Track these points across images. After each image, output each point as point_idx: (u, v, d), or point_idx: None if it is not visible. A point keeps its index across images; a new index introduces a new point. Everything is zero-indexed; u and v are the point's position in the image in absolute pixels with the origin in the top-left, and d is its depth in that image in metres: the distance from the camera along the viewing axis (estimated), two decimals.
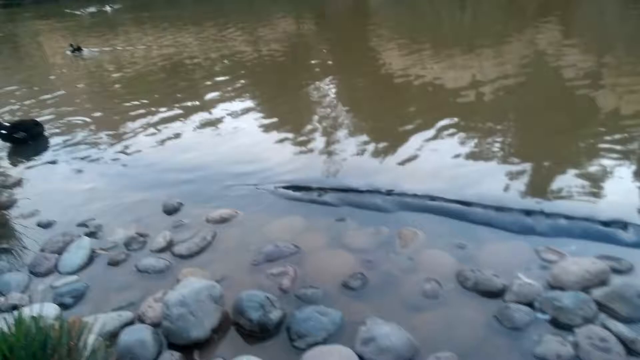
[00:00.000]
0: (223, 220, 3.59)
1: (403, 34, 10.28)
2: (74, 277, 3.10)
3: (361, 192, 3.62)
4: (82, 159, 5.20)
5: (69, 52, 12.18)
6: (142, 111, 6.61)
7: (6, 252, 3.52)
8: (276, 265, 2.99)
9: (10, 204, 4.27)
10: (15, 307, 2.85)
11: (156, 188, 4.27)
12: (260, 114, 6.07)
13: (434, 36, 9.46)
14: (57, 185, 4.62)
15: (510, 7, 12.83)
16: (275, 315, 2.52)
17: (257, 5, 18.29)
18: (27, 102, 7.71)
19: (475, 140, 4.53)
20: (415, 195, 3.43)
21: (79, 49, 12.28)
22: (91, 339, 1.99)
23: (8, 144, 5.89)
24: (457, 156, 4.23)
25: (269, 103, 6.58)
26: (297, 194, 3.84)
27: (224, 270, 3.00)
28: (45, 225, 3.82)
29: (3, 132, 5.91)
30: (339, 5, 16.83)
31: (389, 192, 3.51)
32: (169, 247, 3.33)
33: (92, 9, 21.56)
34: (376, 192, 3.56)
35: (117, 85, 8.34)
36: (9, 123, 6.02)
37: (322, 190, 3.75)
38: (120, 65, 10.04)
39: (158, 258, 3.19)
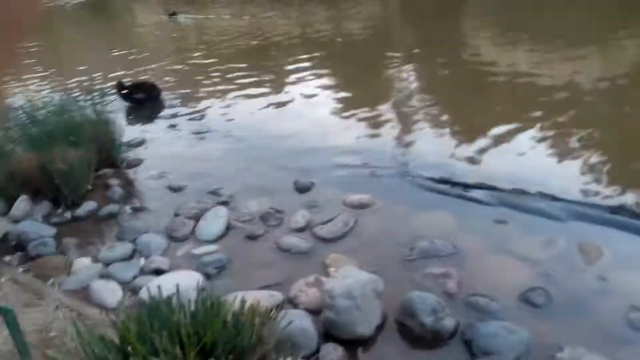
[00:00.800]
0: (362, 206, 3.32)
1: (499, 22, 9.52)
2: (213, 247, 2.96)
3: (524, 193, 3.22)
4: (199, 125, 5.13)
5: (166, 17, 12.45)
6: (245, 81, 6.48)
7: (141, 212, 3.46)
8: (433, 264, 2.68)
9: (137, 163, 4.25)
10: (158, 271, 2.75)
11: (282, 163, 4.09)
12: (379, 100, 5.75)
13: (532, 27, 8.66)
14: (180, 149, 4.57)
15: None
16: (449, 322, 2.22)
17: None
18: (136, 68, 7.87)
19: None
20: (594, 206, 2.99)
21: (174, 13, 12.51)
22: (273, 325, 1.78)
23: (127, 104, 5.97)
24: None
25: (401, 87, 6.25)
26: (442, 186, 3.50)
27: (373, 261, 2.73)
28: (176, 189, 3.74)
29: (124, 92, 6.02)
30: None
31: (558, 198, 3.09)
32: (308, 227, 3.12)
33: None
34: (543, 195, 3.15)
35: (214, 54, 8.32)
36: (128, 84, 6.12)
37: (475, 186, 3.39)
38: (216, 34, 10.04)
39: (300, 238, 2.98)
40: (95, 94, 4.58)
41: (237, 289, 2.48)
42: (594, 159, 3.72)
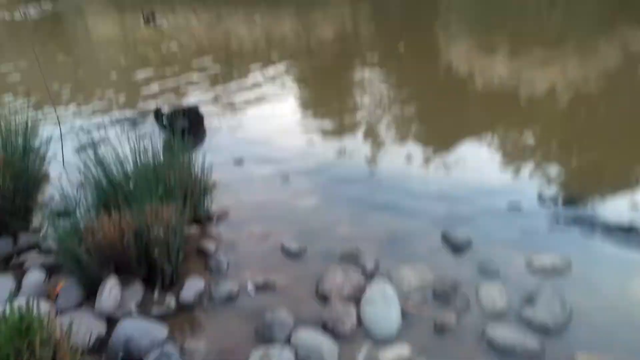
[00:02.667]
0: (556, 272, 2.60)
1: (477, 27, 9.09)
2: (402, 349, 2.16)
3: None
4: (270, 159, 4.32)
5: (144, 23, 11.42)
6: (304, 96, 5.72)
7: (267, 290, 2.63)
8: None
9: (223, 216, 3.41)
10: None
11: (407, 208, 3.33)
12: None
13: (512, 32, 8.28)
14: (266, 194, 3.74)
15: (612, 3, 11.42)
16: None
17: None
18: (144, 87, 6.96)
19: None
20: None
21: (152, 16, 11.43)
22: None
23: (166, 134, 5.10)
24: None
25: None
26: None
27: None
28: (294, 255, 2.92)
29: (162, 119, 5.14)
30: None
31: None
32: (510, 309, 2.37)
33: None
34: None
35: (200, 59, 7.51)
36: (165, 111, 5.25)
37: None
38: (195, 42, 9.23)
39: (512, 329, 2.22)
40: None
41: None
42: None
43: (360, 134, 4.85)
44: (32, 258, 2.97)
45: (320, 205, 3.51)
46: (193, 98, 6.30)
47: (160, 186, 2.84)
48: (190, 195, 3.16)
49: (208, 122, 5.32)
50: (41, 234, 3.38)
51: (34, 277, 2.82)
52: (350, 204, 3.47)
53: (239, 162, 4.35)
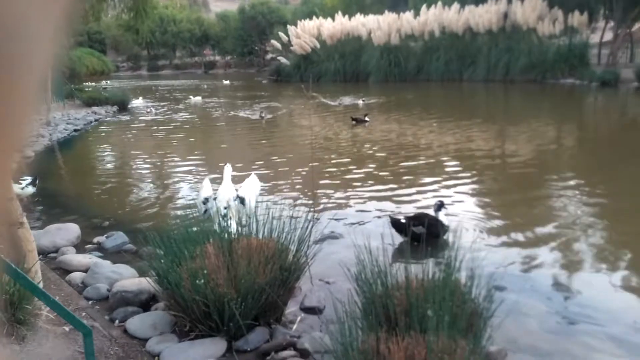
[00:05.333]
0: None
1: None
2: None
3: None
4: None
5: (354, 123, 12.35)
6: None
7: None
8: None
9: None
10: None
11: None
12: None
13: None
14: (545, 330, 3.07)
15: None
16: None
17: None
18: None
19: None
20: None
21: (363, 120, 12.25)
22: None
23: (406, 241, 4.84)
24: None
25: None
26: None
27: None
28: None
29: (400, 226, 4.95)
30: None
31: None
32: None
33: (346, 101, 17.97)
34: None
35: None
36: (405, 218, 5.05)
37: None
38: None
39: None
40: None
41: None
42: None
43: None
44: None
45: None
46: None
47: (447, 312, 2.44)
48: (469, 327, 2.68)
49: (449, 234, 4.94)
50: (293, 328, 3.25)
51: None
52: None
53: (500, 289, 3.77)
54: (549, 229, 5.09)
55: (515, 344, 2.99)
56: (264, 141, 11.28)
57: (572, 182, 6.83)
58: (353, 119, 12.80)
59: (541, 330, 3.16)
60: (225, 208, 4.40)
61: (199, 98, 20.21)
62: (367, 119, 12.79)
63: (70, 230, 4.80)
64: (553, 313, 3.36)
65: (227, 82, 30.97)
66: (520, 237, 4.92)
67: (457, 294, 2.79)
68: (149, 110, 16.97)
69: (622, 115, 14.95)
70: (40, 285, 2.99)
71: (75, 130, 12.90)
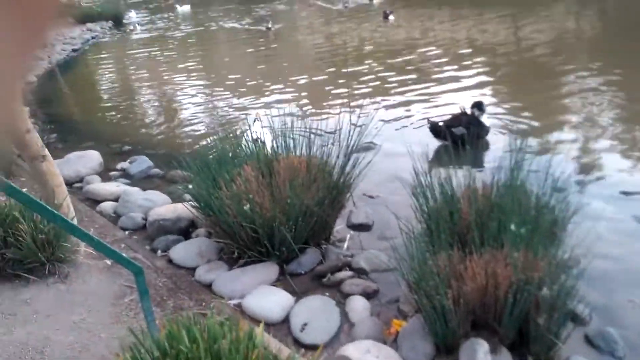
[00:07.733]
0: None
1: None
2: None
3: None
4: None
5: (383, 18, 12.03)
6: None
7: None
8: None
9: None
10: None
11: None
12: None
13: None
14: None
15: None
16: None
17: None
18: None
19: None
20: None
21: (386, 16, 11.79)
22: None
23: (444, 144, 4.54)
24: None
25: None
26: None
27: None
28: None
29: (439, 130, 4.62)
30: None
31: None
32: None
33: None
34: None
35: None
36: (442, 121, 4.71)
37: None
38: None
39: None
40: None
41: None
42: None
43: None
44: (352, 283, 2.64)
45: None
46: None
47: (529, 223, 2.21)
48: (551, 238, 2.46)
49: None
50: (344, 247, 3.09)
51: (358, 305, 2.47)
52: None
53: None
54: (604, 125, 4.74)
55: (586, 249, 2.80)
56: (274, 56, 10.51)
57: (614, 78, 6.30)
58: (384, 13, 12.40)
59: (610, 233, 2.95)
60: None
61: (186, 7, 18.76)
62: (391, 16, 12.10)
63: (92, 157, 4.56)
64: (621, 216, 3.14)
65: None
66: (572, 136, 4.60)
67: (531, 203, 2.55)
68: (133, 27, 15.82)
69: None
70: (75, 221, 2.79)
71: (73, 51, 12.22)
